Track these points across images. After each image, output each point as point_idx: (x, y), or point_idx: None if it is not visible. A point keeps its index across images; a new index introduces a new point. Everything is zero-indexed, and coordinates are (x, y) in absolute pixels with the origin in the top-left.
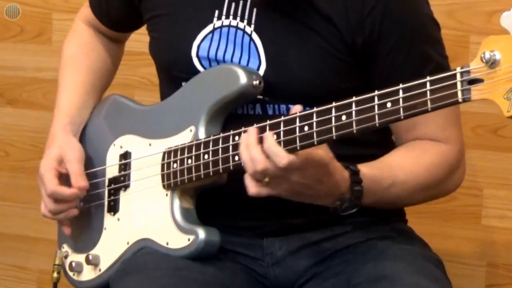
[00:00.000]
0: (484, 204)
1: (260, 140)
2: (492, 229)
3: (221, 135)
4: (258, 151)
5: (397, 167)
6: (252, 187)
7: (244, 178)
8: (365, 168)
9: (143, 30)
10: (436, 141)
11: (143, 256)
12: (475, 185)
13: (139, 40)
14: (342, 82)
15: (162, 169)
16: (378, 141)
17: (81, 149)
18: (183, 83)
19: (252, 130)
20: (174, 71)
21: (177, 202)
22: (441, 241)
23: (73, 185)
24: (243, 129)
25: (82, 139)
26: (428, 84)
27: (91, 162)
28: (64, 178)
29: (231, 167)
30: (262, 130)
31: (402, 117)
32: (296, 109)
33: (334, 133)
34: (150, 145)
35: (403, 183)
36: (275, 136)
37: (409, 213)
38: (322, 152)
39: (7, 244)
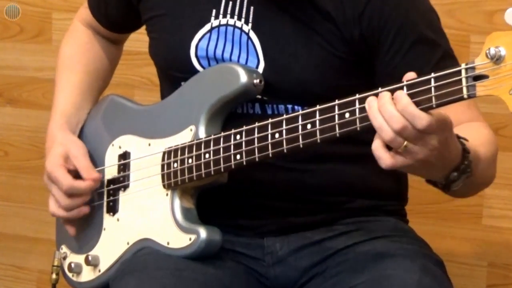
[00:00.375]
0: (485, 204)
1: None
2: (493, 229)
3: (222, 134)
4: (394, 108)
5: (474, 142)
6: (386, 159)
7: (373, 151)
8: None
9: (143, 30)
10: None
11: (143, 256)
12: None
13: (139, 39)
14: (342, 81)
15: (162, 169)
16: None
17: (83, 145)
18: (183, 83)
19: (385, 93)
20: (173, 71)
21: (177, 202)
22: (442, 241)
23: (86, 178)
24: (244, 127)
25: (80, 139)
26: (432, 80)
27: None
28: (72, 175)
29: (233, 166)
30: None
31: None
32: (409, 76)
33: (337, 131)
34: (149, 145)
35: (484, 156)
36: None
37: (410, 213)
38: (446, 114)
39: (6, 244)
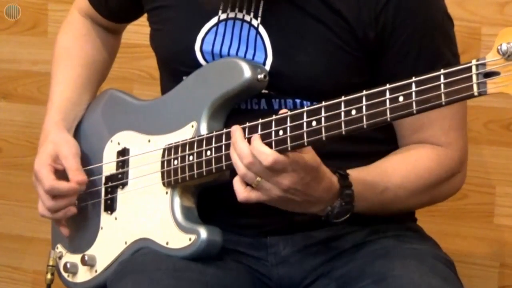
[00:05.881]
0: (497, 202)
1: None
2: (505, 228)
3: (225, 130)
4: (245, 145)
5: (392, 172)
6: (241, 192)
7: (233, 183)
8: (355, 173)
9: (142, 21)
10: (437, 145)
11: (141, 257)
12: (488, 183)
13: (138, 31)
14: (351, 77)
15: (162, 166)
16: (383, 138)
17: (76, 145)
18: (184, 78)
19: (235, 128)
20: (175, 65)
21: (177, 201)
22: (452, 241)
23: (71, 179)
24: (247, 124)
25: (77, 135)
26: (442, 77)
27: (87, 159)
28: (60, 175)
29: None
30: (252, 130)
31: (415, 112)
32: (285, 110)
33: (343, 128)
34: (149, 141)
35: (398, 187)
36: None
37: (419, 211)
38: (310, 156)
39: (0, 244)
